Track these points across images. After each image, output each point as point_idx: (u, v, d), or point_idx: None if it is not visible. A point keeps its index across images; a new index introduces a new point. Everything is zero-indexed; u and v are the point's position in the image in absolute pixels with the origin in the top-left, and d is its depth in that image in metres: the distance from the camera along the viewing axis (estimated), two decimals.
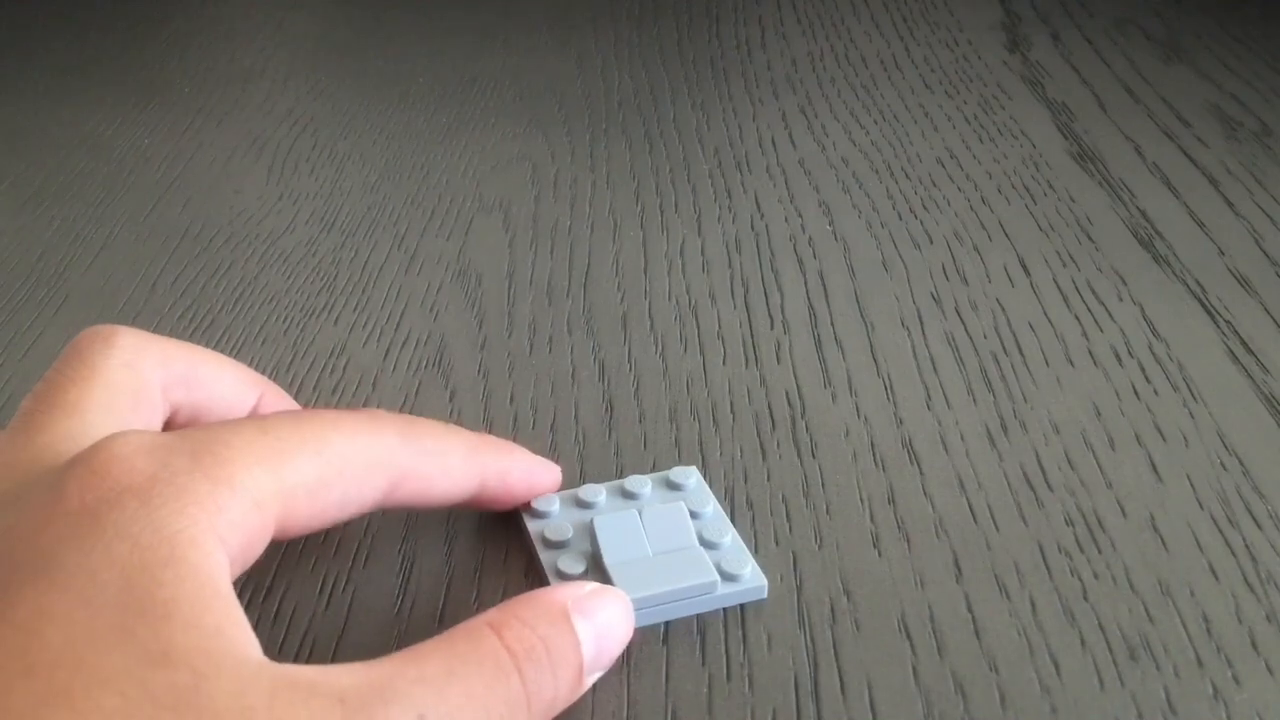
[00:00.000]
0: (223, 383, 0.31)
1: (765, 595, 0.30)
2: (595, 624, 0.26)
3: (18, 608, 0.21)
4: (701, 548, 0.30)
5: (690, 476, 0.33)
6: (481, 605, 0.30)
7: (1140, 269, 0.46)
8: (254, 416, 0.27)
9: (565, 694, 0.25)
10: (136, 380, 0.28)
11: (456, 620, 0.27)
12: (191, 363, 0.30)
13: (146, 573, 0.22)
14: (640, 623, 0.29)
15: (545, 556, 0.30)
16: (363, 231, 0.49)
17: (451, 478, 0.29)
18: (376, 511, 0.32)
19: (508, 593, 0.31)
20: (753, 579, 0.30)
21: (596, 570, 0.30)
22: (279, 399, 0.33)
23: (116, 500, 0.23)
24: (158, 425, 0.29)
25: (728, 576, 0.30)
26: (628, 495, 0.32)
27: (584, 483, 0.34)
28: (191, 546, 0.23)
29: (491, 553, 0.32)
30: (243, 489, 0.24)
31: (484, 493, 0.30)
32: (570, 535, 0.31)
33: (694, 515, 0.32)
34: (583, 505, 0.32)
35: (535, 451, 0.36)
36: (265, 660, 0.22)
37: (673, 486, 0.33)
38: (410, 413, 0.37)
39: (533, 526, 0.31)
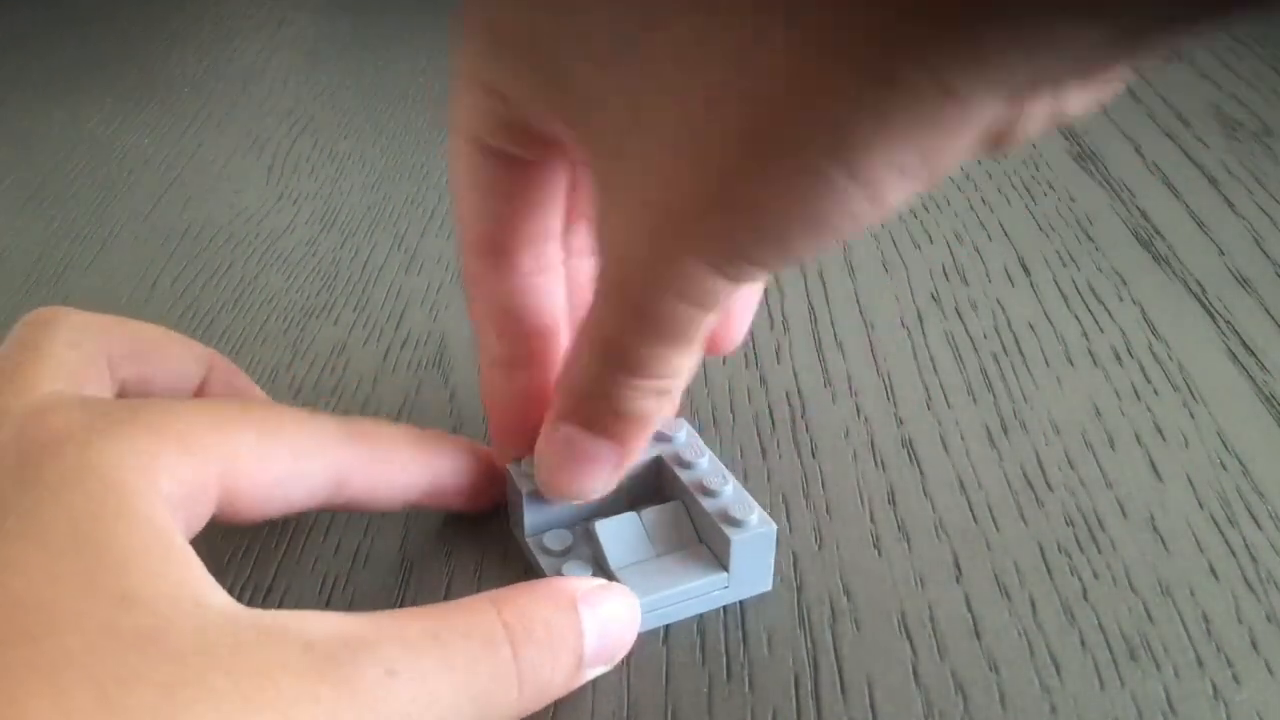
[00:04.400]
0: (169, 356, 0.30)
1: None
2: (600, 617, 0.26)
3: None
4: (704, 544, 0.30)
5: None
6: None
7: (1140, 269, 0.46)
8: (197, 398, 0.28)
9: (561, 680, 0.25)
10: (83, 357, 0.28)
11: None
12: (136, 338, 0.30)
13: (99, 523, 0.22)
14: (650, 624, 0.29)
15: (547, 564, 0.30)
16: (363, 231, 0.49)
17: (404, 468, 0.29)
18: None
19: None
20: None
21: (602, 575, 0.30)
22: (228, 371, 0.32)
23: (56, 448, 0.23)
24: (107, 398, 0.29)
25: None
26: None
27: None
28: (138, 496, 0.23)
29: (491, 553, 0.32)
30: (181, 441, 0.24)
31: (436, 488, 0.30)
32: (571, 542, 0.31)
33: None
34: None
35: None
36: (233, 605, 0.22)
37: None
38: (410, 413, 0.37)
39: (530, 538, 0.31)
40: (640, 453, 0.28)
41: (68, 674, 0.20)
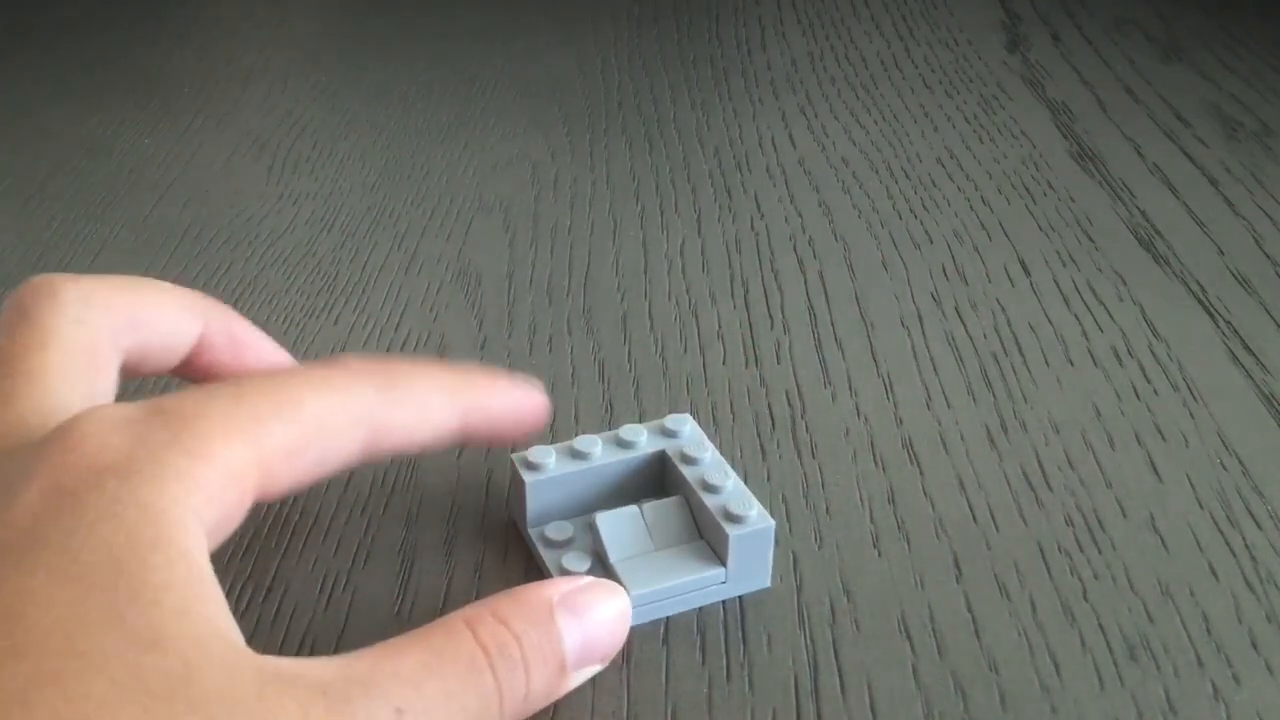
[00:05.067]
0: (165, 318, 0.30)
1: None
2: (583, 620, 0.26)
3: (1, 589, 0.21)
4: (704, 541, 0.30)
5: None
6: None
7: (1140, 269, 0.46)
8: (228, 382, 0.27)
9: (541, 691, 0.25)
10: (90, 335, 0.28)
11: None
12: (134, 304, 0.29)
13: (135, 555, 0.22)
14: (648, 617, 0.29)
15: (548, 556, 0.30)
16: (363, 231, 0.49)
17: (432, 423, 0.29)
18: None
19: None
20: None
21: (601, 568, 0.30)
22: (224, 319, 0.32)
23: (96, 480, 0.23)
24: (114, 376, 0.29)
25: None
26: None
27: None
28: (177, 528, 0.23)
29: (491, 553, 0.32)
30: (220, 462, 0.24)
31: (467, 431, 0.30)
32: (572, 534, 0.31)
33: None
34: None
35: None
36: (249, 650, 0.22)
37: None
38: None
39: (533, 529, 0.31)
40: None
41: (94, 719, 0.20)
